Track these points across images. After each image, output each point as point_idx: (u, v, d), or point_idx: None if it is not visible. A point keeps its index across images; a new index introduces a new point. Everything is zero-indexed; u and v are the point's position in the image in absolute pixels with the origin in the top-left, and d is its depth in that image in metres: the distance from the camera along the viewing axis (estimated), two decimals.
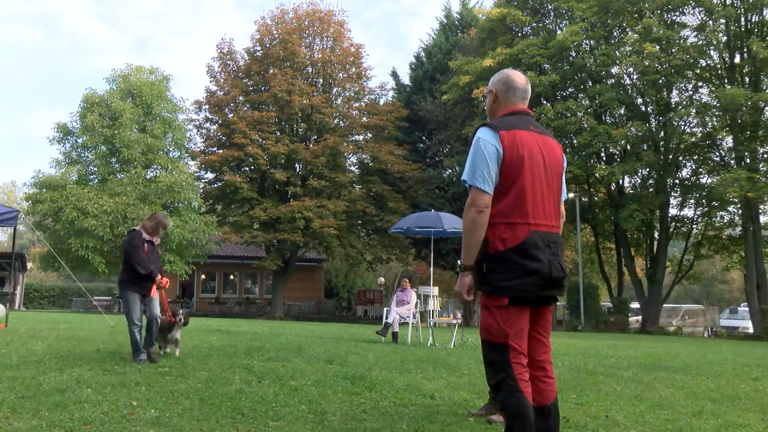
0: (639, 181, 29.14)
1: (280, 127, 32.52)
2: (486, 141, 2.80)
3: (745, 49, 24.34)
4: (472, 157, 2.82)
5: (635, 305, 29.57)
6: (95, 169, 29.63)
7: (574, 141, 27.41)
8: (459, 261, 2.86)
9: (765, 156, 24.92)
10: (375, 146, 31.17)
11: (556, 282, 2.83)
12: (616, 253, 30.59)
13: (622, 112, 28.40)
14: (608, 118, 28.64)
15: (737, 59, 24.94)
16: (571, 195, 25.95)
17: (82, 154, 30.19)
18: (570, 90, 29.72)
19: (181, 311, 7.01)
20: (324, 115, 31.05)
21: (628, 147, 26.97)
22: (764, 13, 24.19)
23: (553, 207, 2.91)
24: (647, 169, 27.24)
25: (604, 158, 29.03)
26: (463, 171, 2.88)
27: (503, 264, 2.74)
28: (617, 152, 28.52)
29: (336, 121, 32.95)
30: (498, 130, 2.81)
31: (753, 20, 24.70)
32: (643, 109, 27.73)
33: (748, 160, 23.93)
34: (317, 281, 38.72)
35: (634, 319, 28.90)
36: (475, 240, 2.75)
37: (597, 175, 26.90)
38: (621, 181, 28.63)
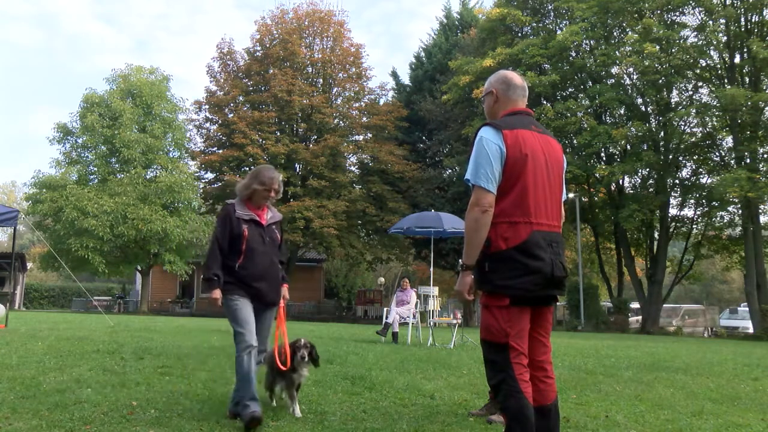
0: (639, 181, 29.13)
1: (280, 127, 32.53)
2: (489, 140, 2.79)
3: (745, 49, 24.32)
4: (475, 157, 2.80)
5: (635, 305, 29.55)
6: (95, 169, 29.68)
7: (574, 141, 27.40)
8: (460, 260, 2.85)
9: (765, 156, 24.90)
10: (375, 146, 31.17)
11: (558, 281, 2.83)
12: (616, 253, 30.58)
13: (622, 112, 28.38)
14: (608, 118, 28.62)
15: (737, 59, 24.93)
16: (571, 195, 25.94)
17: (82, 154, 30.24)
18: (570, 90, 29.71)
19: (303, 341, 4.45)
20: (324, 115, 31.06)
21: (628, 147, 26.95)
22: (764, 13, 24.17)
23: (555, 206, 2.91)
24: (647, 169, 27.23)
25: (604, 158, 29.02)
26: (466, 170, 2.87)
27: (505, 263, 2.73)
28: (617, 152, 28.50)
29: (336, 121, 32.95)
30: (501, 129, 2.81)
31: (753, 20, 24.69)
32: (643, 109, 27.71)
33: (748, 160, 23.91)
34: (317, 281, 38.70)
35: (634, 319, 28.89)
36: (477, 239, 2.75)
37: (597, 175, 26.89)
38: (621, 181, 28.61)
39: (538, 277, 2.73)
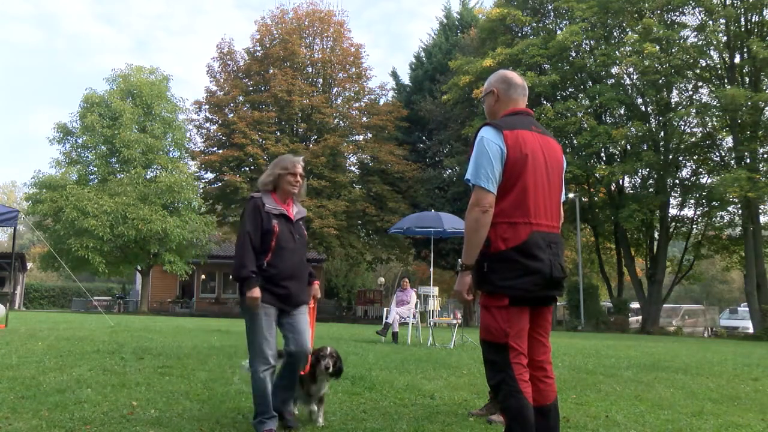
0: (639, 181, 29.14)
1: (280, 127, 32.53)
2: (490, 140, 2.79)
3: (745, 49, 24.33)
4: (475, 157, 2.80)
5: (635, 305, 29.56)
6: (95, 169, 29.67)
7: (574, 141, 27.41)
8: (459, 260, 2.85)
9: (765, 156, 24.91)
10: (375, 146, 31.17)
11: (557, 282, 2.83)
12: (616, 253, 30.59)
13: (622, 112, 28.39)
14: (608, 118, 28.64)
15: (737, 59, 24.93)
16: (571, 195, 25.94)
17: (82, 154, 30.23)
18: (570, 90, 29.71)
19: (329, 350, 4.12)
20: (324, 115, 31.06)
21: (628, 147, 26.96)
22: (764, 13, 24.18)
23: (554, 207, 2.91)
24: (647, 169, 27.24)
25: (604, 158, 29.03)
26: (466, 170, 2.86)
27: (504, 263, 2.73)
28: (617, 152, 28.51)
29: (336, 121, 32.96)
30: (502, 130, 2.80)
31: (753, 20, 24.70)
32: (643, 109, 27.72)
33: (748, 160, 23.92)
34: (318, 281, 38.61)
35: (634, 319, 28.90)
36: (477, 239, 2.75)
37: (597, 175, 26.90)
38: (621, 181, 28.63)
39: (537, 278, 2.73)
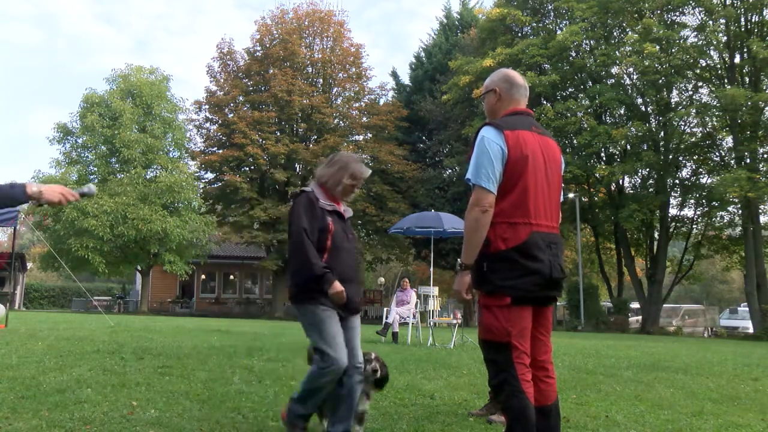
0: (639, 181, 29.15)
1: (280, 127, 32.53)
2: (491, 140, 2.78)
3: (745, 49, 24.32)
4: (476, 156, 2.79)
5: (635, 305, 29.56)
6: (95, 169, 29.71)
7: (574, 141, 27.40)
8: (459, 260, 2.84)
9: (765, 156, 24.90)
10: (375, 146, 31.18)
11: (556, 283, 2.83)
12: (616, 253, 30.59)
13: (622, 112, 28.38)
14: (608, 118, 28.63)
15: (737, 59, 24.92)
16: (571, 195, 25.95)
17: (82, 154, 30.27)
18: (570, 90, 29.71)
19: (374, 356, 3.65)
20: (324, 115, 31.07)
21: (628, 147, 26.97)
22: (764, 13, 24.17)
23: (553, 208, 2.90)
24: (647, 169, 27.25)
25: (604, 158, 29.03)
26: (466, 170, 2.86)
27: (504, 263, 2.73)
28: (617, 152, 28.51)
29: (336, 121, 32.96)
30: (503, 130, 2.79)
31: (753, 20, 24.68)
32: (643, 109, 27.73)
33: (748, 160, 23.91)
34: None
35: (634, 319, 28.91)
36: (477, 239, 2.74)
37: (597, 175, 26.90)
38: (621, 181, 28.62)
39: (536, 278, 2.73)
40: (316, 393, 3.34)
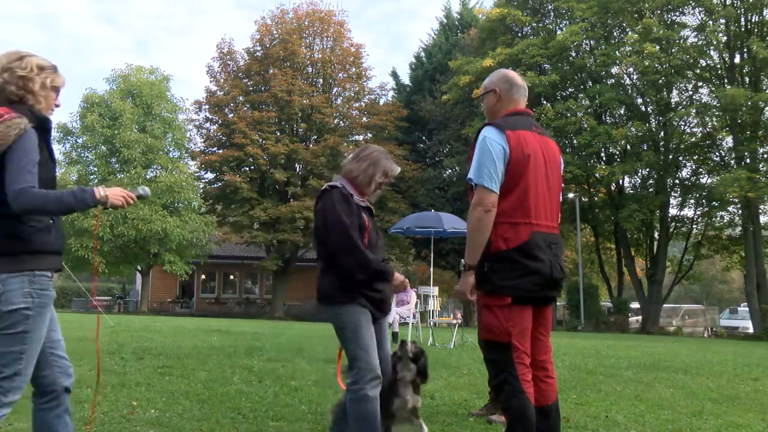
0: (639, 181, 29.16)
1: (280, 127, 32.53)
2: (492, 140, 2.77)
3: (745, 50, 24.32)
4: (478, 156, 2.78)
5: (635, 305, 29.57)
6: (95, 169, 29.70)
7: (574, 141, 27.42)
8: (462, 260, 2.82)
9: (765, 156, 24.91)
10: None
11: (556, 283, 2.83)
12: (616, 253, 30.60)
13: (622, 112, 28.40)
14: (608, 118, 28.65)
15: (737, 59, 24.93)
16: (571, 195, 25.96)
17: (82, 154, 30.27)
18: (570, 90, 29.72)
19: (411, 345, 3.43)
20: (324, 115, 31.07)
21: (628, 147, 26.99)
22: (764, 13, 24.18)
23: (554, 208, 2.90)
24: (647, 169, 27.26)
25: (604, 158, 29.05)
26: (466, 170, 2.85)
27: (505, 263, 2.72)
28: (617, 152, 28.53)
29: (336, 121, 32.96)
30: (504, 130, 2.79)
31: (753, 20, 24.69)
32: (643, 109, 27.73)
33: (748, 160, 23.92)
34: None
35: (634, 319, 28.91)
36: (480, 239, 2.73)
37: (597, 175, 26.92)
38: (621, 181, 28.65)
39: (537, 278, 2.73)
40: (374, 417, 3.01)
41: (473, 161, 2.80)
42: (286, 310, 33.02)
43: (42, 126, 2.47)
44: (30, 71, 2.43)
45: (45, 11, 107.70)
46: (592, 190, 29.86)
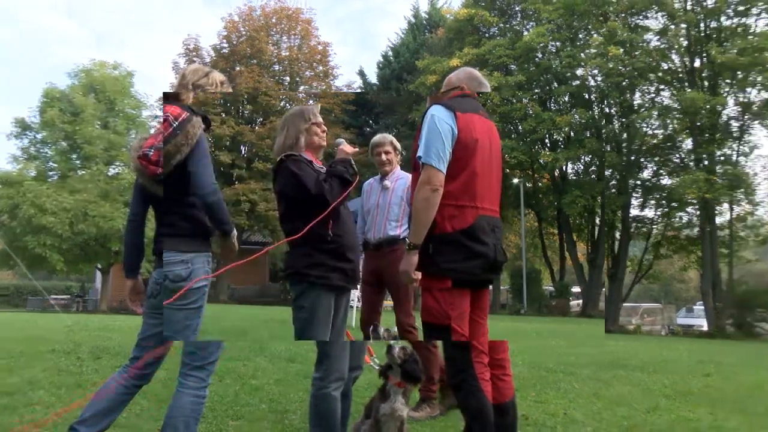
0: (582, 167, 29.95)
1: (225, 109, 32.15)
2: (441, 119, 2.73)
3: (704, 54, 24.92)
4: (426, 135, 2.73)
5: (576, 289, 30.31)
6: (55, 165, 28.95)
7: (519, 127, 27.89)
8: (407, 239, 2.76)
9: (722, 158, 25.53)
10: None
11: (499, 266, 2.84)
12: (558, 239, 31.29)
13: (566, 99, 28.87)
14: (553, 105, 29.29)
15: (697, 63, 25.51)
16: (515, 180, 26.40)
17: (41, 150, 29.44)
18: (536, 91, 30.08)
19: (398, 350, 3.20)
20: (270, 97, 30.83)
21: (572, 134, 27.62)
22: (722, 19, 24.78)
23: (496, 192, 2.91)
24: (590, 156, 27.94)
25: (548, 145, 29.50)
26: (415, 151, 2.79)
27: (450, 246, 2.69)
28: (561, 139, 29.09)
29: (282, 103, 32.65)
30: (454, 111, 2.75)
31: (711, 26, 25.29)
32: (607, 111, 28.32)
33: (706, 162, 24.51)
34: (262, 265, 37.45)
35: (575, 303, 29.62)
36: (426, 218, 2.68)
37: (541, 161, 27.55)
38: (564, 168, 29.38)
39: (481, 262, 2.71)
40: (334, 416, 2.96)
41: (421, 139, 2.76)
42: (231, 293, 32.52)
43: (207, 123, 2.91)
44: (215, 87, 2.94)
45: (3, 4, 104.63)
46: (536, 175, 30.63)
